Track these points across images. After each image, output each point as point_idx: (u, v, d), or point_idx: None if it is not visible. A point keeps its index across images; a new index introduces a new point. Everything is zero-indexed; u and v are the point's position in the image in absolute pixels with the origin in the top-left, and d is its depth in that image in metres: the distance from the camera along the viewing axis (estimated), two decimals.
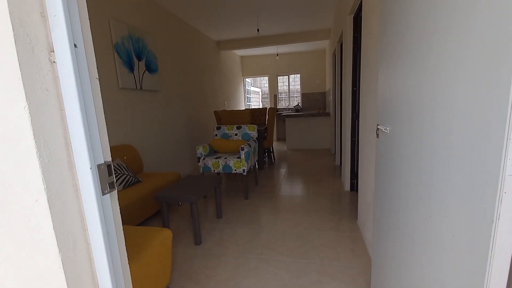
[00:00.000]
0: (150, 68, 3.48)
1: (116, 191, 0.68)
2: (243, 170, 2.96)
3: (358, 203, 2.34)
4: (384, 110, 1.17)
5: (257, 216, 2.60)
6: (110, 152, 0.68)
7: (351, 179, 3.09)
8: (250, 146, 3.10)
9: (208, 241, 2.15)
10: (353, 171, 3.05)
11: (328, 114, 5.82)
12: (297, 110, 7.80)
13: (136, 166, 2.94)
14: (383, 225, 1.23)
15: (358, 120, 2.85)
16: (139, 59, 3.28)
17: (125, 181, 2.42)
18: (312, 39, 5.59)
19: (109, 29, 2.85)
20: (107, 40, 2.82)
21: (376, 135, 1.28)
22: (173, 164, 4.04)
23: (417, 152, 0.84)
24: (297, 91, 8.52)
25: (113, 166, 2.44)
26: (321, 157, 5.16)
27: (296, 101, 8.42)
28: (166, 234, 1.51)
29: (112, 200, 0.66)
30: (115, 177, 2.40)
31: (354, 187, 3.09)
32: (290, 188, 3.39)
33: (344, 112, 3.31)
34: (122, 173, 2.45)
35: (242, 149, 2.91)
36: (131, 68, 3.13)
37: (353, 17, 2.68)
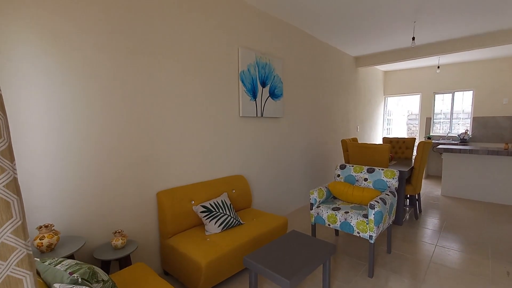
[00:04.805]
0: (274, 94, 3.25)
1: None
2: (370, 236, 2.11)
3: None
4: None
5: None
6: None
7: None
8: (385, 203, 2.20)
9: None
10: None
11: None
12: (463, 140, 5.68)
13: (244, 200, 2.72)
14: None
15: None
16: (264, 85, 3.10)
17: (225, 222, 2.19)
18: (504, 43, 3.78)
19: (237, 57, 2.81)
20: (233, 68, 2.77)
21: None
22: (285, 199, 3.64)
23: None
24: (464, 113, 6.25)
25: (217, 202, 2.27)
26: (507, 222, 3.30)
27: (461, 126, 6.19)
28: None
29: None
30: (216, 216, 2.25)
31: None
32: (446, 277, 2.18)
33: None
34: (224, 212, 2.24)
35: (372, 207, 2.08)
36: (254, 95, 2.98)
37: None
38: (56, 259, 1.22)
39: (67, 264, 1.19)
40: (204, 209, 2.19)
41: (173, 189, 2.22)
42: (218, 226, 2.15)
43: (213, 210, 2.21)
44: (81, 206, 1.80)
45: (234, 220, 2.25)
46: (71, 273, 1.11)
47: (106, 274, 1.23)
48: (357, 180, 2.70)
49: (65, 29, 1.65)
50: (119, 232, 1.82)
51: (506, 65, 5.35)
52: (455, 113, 6.38)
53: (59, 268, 1.14)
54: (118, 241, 1.78)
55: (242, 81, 2.83)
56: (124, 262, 1.82)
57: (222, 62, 2.64)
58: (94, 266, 1.22)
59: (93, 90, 1.79)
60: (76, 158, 1.74)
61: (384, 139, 4.44)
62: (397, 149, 4.29)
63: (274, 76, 3.23)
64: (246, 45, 2.89)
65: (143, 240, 2.13)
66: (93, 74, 1.79)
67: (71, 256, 1.59)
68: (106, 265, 1.79)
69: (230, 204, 2.35)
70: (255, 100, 3.00)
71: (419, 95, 6.61)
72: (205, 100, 2.51)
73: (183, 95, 2.32)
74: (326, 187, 2.67)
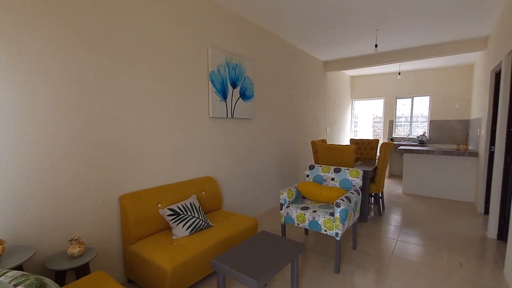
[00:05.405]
0: (245, 95, 3.25)
1: None
2: (336, 233, 2.18)
3: None
4: None
5: None
6: None
7: None
8: (350, 201, 2.29)
9: None
10: None
11: (474, 154, 4.13)
12: (421, 142, 6.12)
13: (214, 201, 2.68)
14: None
15: None
16: (234, 86, 3.09)
17: (194, 225, 2.13)
18: (455, 52, 4.16)
19: (206, 57, 2.77)
20: (203, 68, 2.73)
21: None
22: (256, 200, 3.65)
23: None
24: (423, 117, 6.75)
25: (185, 205, 2.21)
26: (459, 217, 3.61)
27: (420, 129, 6.67)
28: None
29: None
30: (184, 219, 2.20)
31: None
32: (406, 269, 2.32)
33: None
34: (193, 215, 2.18)
35: (338, 206, 2.16)
36: (224, 96, 2.96)
37: None
38: (0, 270, 1.11)
39: (11, 275, 1.08)
40: (172, 212, 2.11)
41: (138, 192, 2.12)
42: (186, 229, 2.09)
43: (181, 213, 2.14)
44: (31, 212, 1.64)
45: (203, 223, 2.21)
46: (15, 285, 1.01)
47: (57, 285, 1.13)
48: (325, 180, 2.79)
49: (9, 20, 1.51)
50: (75, 240, 1.70)
51: (458, 73, 5.88)
52: (415, 116, 6.87)
53: (2, 280, 1.03)
54: (74, 249, 1.66)
55: (212, 82, 2.80)
56: (82, 271, 1.70)
57: (191, 61, 2.59)
58: (43, 277, 1.12)
59: (43, 88, 1.65)
60: (24, 159, 1.60)
61: (351, 140, 4.64)
62: (362, 150, 4.51)
63: (245, 77, 3.24)
64: (216, 45, 2.86)
65: (104, 247, 2.00)
66: (43, 71, 1.65)
67: (19, 267, 1.45)
68: (61, 276, 1.66)
69: (199, 207, 2.30)
70: (226, 101, 2.98)
71: (382, 99, 7.02)
72: (173, 99, 2.44)
73: (149, 94, 2.24)
74: (295, 187, 2.71)
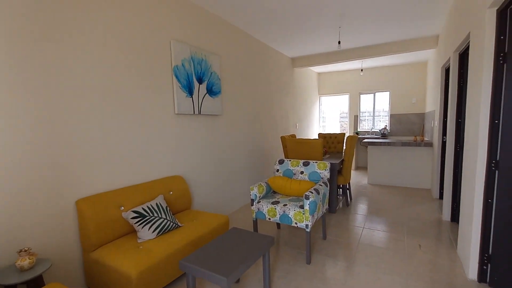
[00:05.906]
0: (212, 91, 3.18)
1: None
2: (306, 225, 2.22)
3: None
4: None
5: None
6: None
7: (482, 262, 1.95)
8: (319, 193, 2.35)
9: None
10: (486, 248, 1.91)
11: (429, 145, 4.46)
12: (383, 135, 6.49)
13: (183, 201, 2.59)
14: None
15: None
16: (200, 82, 3.00)
17: (160, 226, 2.04)
18: (410, 50, 4.44)
19: (169, 51, 2.65)
20: (166, 63, 2.61)
21: None
22: (228, 197, 3.60)
23: None
24: (384, 111, 7.16)
25: (151, 206, 2.10)
26: (418, 202, 3.89)
27: (382, 123, 7.07)
28: None
29: None
30: (149, 221, 2.03)
31: (486, 276, 1.94)
32: (372, 255, 2.44)
33: (469, 152, 2.22)
34: (159, 216, 2.08)
35: (307, 198, 2.19)
36: (190, 92, 2.86)
37: (498, 11, 1.69)
38: None
39: None
40: (136, 215, 2.00)
41: (97, 195, 1.97)
42: (153, 232, 1.98)
43: (147, 214, 2.03)
44: None
45: (171, 223, 2.12)
46: None
47: None
48: (294, 174, 2.83)
49: None
50: (25, 250, 1.53)
51: (414, 70, 6.32)
52: (377, 111, 7.26)
53: None
54: (24, 261, 1.49)
55: (177, 77, 2.69)
56: (34, 284, 1.54)
57: (153, 55, 2.46)
58: None
59: None
60: None
61: (319, 135, 4.77)
62: (330, 143, 4.66)
63: (211, 73, 3.17)
64: (179, 38, 2.75)
65: (61, 256, 1.83)
66: None
67: None
68: None
69: (166, 207, 2.20)
70: (192, 97, 2.88)
71: (347, 95, 7.32)
72: (134, 95, 2.30)
73: (106, 89, 2.08)
74: (266, 182, 2.72)
